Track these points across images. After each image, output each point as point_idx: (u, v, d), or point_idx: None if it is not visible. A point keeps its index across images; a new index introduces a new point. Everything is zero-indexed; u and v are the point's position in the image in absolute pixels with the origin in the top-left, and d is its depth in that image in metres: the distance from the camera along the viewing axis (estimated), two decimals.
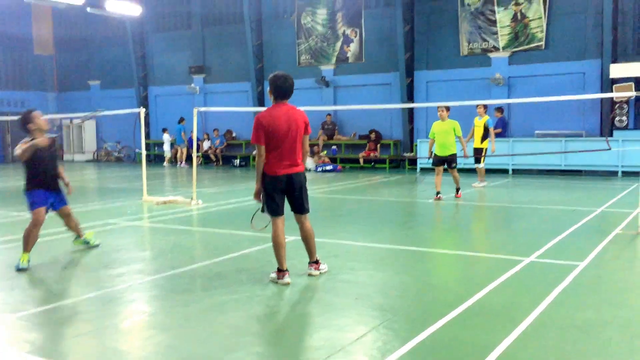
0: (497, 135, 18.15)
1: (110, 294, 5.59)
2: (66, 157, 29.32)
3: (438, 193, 12.06)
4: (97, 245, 7.75)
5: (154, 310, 5.21)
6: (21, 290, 5.76)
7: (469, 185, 14.47)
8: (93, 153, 29.00)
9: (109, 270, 6.53)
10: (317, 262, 6.16)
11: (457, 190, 12.41)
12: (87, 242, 7.70)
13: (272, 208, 5.84)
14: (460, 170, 13.94)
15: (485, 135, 14.17)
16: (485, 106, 14.35)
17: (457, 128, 12.07)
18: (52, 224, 9.52)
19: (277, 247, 5.84)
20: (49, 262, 6.96)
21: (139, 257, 7.38)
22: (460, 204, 11.77)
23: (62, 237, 8.49)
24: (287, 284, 5.76)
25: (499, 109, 18.42)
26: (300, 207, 5.95)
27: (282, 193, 5.85)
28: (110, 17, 25.92)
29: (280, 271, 5.83)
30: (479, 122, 14.25)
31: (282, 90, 5.81)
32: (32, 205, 6.91)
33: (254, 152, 23.35)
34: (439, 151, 12.19)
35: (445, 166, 12.32)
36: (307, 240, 6.08)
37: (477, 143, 14.29)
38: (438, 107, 12.35)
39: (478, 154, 14.25)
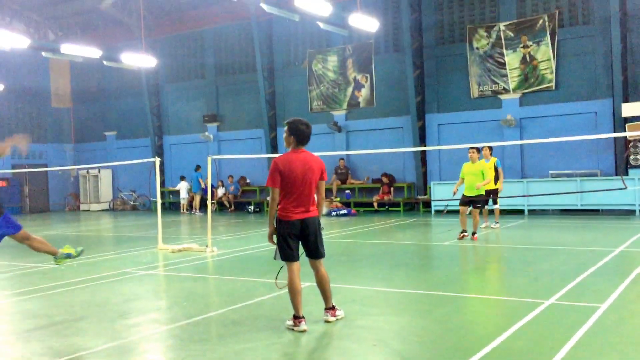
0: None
1: (126, 345, 5.56)
2: (82, 206, 29.60)
3: (464, 231, 12.27)
4: (81, 251, 7.30)
5: None
6: (38, 342, 5.75)
7: (485, 226, 14.36)
8: (109, 202, 29.26)
9: (125, 320, 6.51)
10: (333, 307, 6.10)
11: (473, 233, 12.34)
12: (69, 256, 7.15)
13: (287, 254, 5.82)
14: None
15: (496, 177, 14.18)
16: (490, 148, 14.48)
17: (486, 170, 12.36)
18: (71, 274, 9.56)
19: (293, 293, 5.79)
20: (66, 312, 6.96)
21: (154, 306, 7.35)
22: (477, 245, 11.66)
23: (77, 287, 8.51)
24: (304, 331, 5.69)
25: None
26: (315, 252, 5.94)
27: (297, 238, 5.85)
28: (126, 69, 26.56)
29: (297, 318, 5.77)
30: (488, 165, 14.24)
31: (304, 135, 5.89)
32: None
33: (268, 197, 23.46)
34: (467, 191, 12.38)
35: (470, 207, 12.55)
36: (323, 286, 6.03)
37: (490, 185, 14.24)
38: (469, 149, 12.54)
39: (493, 195, 14.18)
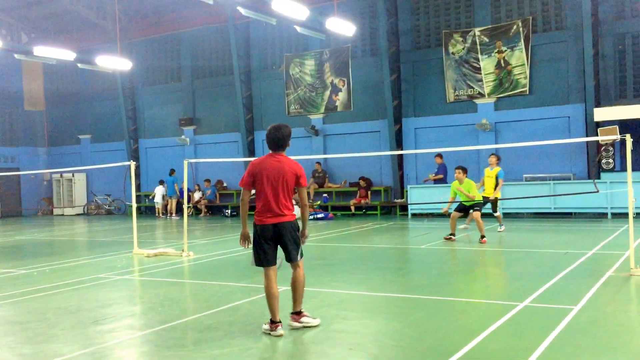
0: (439, 181, 19.22)
1: (100, 351, 5.48)
2: (56, 211, 29.16)
3: (452, 234, 12.67)
4: None
5: None
6: (9, 349, 5.63)
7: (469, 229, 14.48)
8: (83, 207, 28.88)
9: (99, 326, 6.42)
10: (299, 313, 5.98)
11: (482, 236, 12.43)
12: None
13: (260, 258, 5.79)
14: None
15: (495, 185, 14.35)
16: (498, 157, 14.63)
17: (473, 189, 12.74)
18: (44, 280, 9.40)
19: (270, 298, 5.76)
20: (38, 319, 6.84)
21: (129, 311, 7.26)
22: (453, 249, 11.75)
23: (50, 293, 8.38)
24: (280, 336, 5.67)
25: (439, 155, 19.20)
26: (289, 256, 5.90)
27: (272, 242, 5.81)
28: (101, 72, 26.27)
29: (274, 323, 5.74)
30: (491, 173, 14.44)
31: (269, 139, 5.93)
32: None
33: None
34: (463, 201, 12.84)
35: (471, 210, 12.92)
36: (293, 287, 5.96)
37: (488, 193, 14.39)
38: (455, 169, 12.96)
39: (492, 202, 14.45)
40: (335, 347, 5.35)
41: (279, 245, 5.88)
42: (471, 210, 12.87)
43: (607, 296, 7.06)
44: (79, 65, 24.61)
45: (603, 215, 17.26)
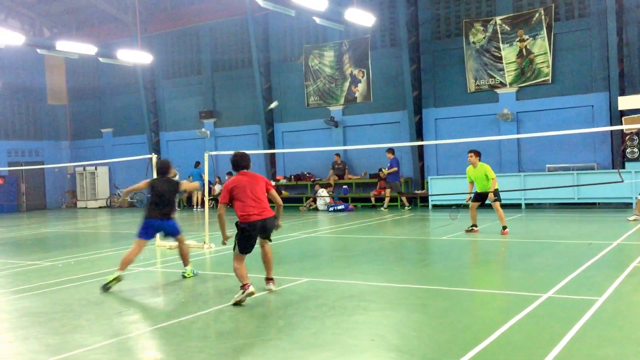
0: (392, 174, 19.50)
1: (124, 342, 5.55)
2: (79, 204, 29.55)
3: (474, 225, 12.52)
4: None
5: (167, 357, 5.16)
6: (35, 340, 5.74)
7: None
8: (106, 199, 29.22)
9: (123, 317, 6.50)
10: (272, 279, 7.49)
11: (504, 227, 12.18)
12: None
13: (245, 248, 7.12)
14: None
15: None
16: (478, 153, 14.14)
17: (489, 172, 12.26)
18: (69, 272, 9.54)
19: (239, 272, 6.97)
20: (63, 310, 6.95)
21: (152, 303, 7.35)
22: (475, 240, 11.67)
23: (75, 284, 8.50)
24: (252, 293, 6.76)
25: (390, 150, 19.65)
26: (268, 237, 7.45)
27: (257, 235, 7.17)
28: (122, 65, 26.48)
29: (244, 285, 6.79)
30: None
31: (233, 163, 7.47)
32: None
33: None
34: (478, 189, 12.46)
35: (488, 201, 12.58)
36: (266, 258, 7.50)
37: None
38: (468, 152, 12.53)
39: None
40: (356, 338, 5.36)
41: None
42: (491, 202, 12.52)
43: (632, 287, 6.96)
44: (100, 59, 24.84)
45: (628, 205, 16.98)
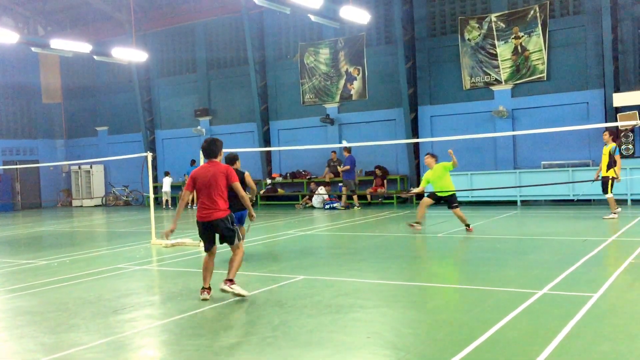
0: (346, 172, 20.02)
1: (119, 340, 5.55)
2: (75, 202, 29.48)
3: (417, 222, 12.62)
4: None
5: (163, 355, 5.15)
6: (31, 339, 5.72)
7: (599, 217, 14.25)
8: (101, 198, 29.16)
9: (119, 315, 6.49)
10: (231, 280, 6.97)
11: (467, 225, 12.29)
12: None
13: (205, 245, 7.17)
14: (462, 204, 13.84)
15: (610, 163, 13.50)
16: (611, 132, 13.69)
17: (447, 165, 12.30)
18: (64, 271, 9.52)
19: (204, 269, 7.07)
20: (58, 308, 6.94)
21: (148, 301, 7.34)
22: (470, 237, 11.69)
23: (70, 283, 8.48)
24: (206, 300, 6.86)
25: (347, 149, 20.05)
26: (226, 241, 7.14)
27: (208, 233, 7.05)
28: (117, 63, 26.40)
29: (203, 289, 6.96)
30: (605, 150, 13.66)
31: (202, 150, 7.18)
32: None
33: (262, 192, 23.45)
34: (436, 191, 12.49)
35: (448, 207, 12.57)
36: (230, 261, 7.17)
37: (603, 171, 13.66)
38: (425, 155, 12.77)
39: (604, 183, 13.66)
40: (352, 336, 5.36)
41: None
42: (450, 209, 12.43)
43: (627, 283, 6.99)
44: (95, 57, 24.75)
45: (623, 202, 17.05)
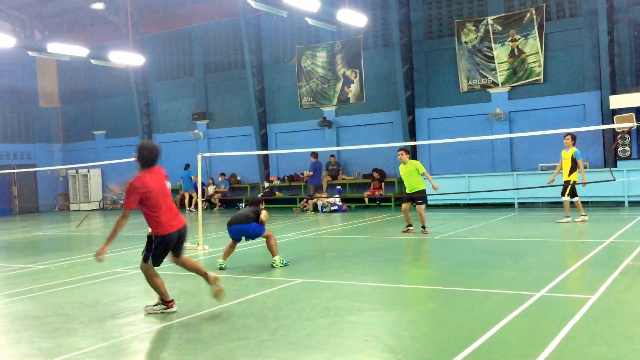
0: (311, 177, 20.53)
1: (117, 345, 5.54)
2: (72, 206, 29.43)
3: (409, 226, 12.93)
4: None
5: (161, 359, 5.14)
6: (28, 343, 5.71)
7: (553, 220, 14.39)
8: (99, 202, 29.11)
9: (116, 319, 6.48)
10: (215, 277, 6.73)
11: (423, 227, 12.76)
12: None
13: (159, 260, 6.61)
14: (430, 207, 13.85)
15: (573, 168, 13.62)
16: (573, 137, 13.78)
17: (420, 167, 12.76)
18: (62, 275, 9.50)
19: (157, 285, 6.60)
20: (56, 313, 6.92)
21: (146, 305, 7.32)
22: (466, 239, 11.70)
23: (68, 287, 8.47)
24: (175, 312, 6.54)
25: (314, 154, 20.37)
26: (180, 251, 6.80)
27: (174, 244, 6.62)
28: (114, 67, 26.40)
29: (169, 302, 6.62)
30: (567, 155, 13.71)
31: (150, 160, 6.63)
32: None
33: (259, 195, 23.45)
34: (407, 189, 12.95)
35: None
36: (195, 268, 6.89)
37: (565, 175, 13.73)
38: (398, 150, 13.03)
39: (565, 186, 13.67)
40: (351, 339, 5.36)
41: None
42: (415, 204, 12.87)
43: (624, 285, 7.00)
44: (92, 61, 24.76)
45: (620, 204, 17.08)
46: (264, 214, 9.47)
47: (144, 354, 5.35)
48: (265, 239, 9.43)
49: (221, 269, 9.25)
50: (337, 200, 20.62)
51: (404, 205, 13.12)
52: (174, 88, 27.16)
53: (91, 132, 30.10)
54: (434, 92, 21.14)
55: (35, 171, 28.36)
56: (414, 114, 21.38)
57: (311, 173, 20.55)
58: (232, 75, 25.39)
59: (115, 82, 28.73)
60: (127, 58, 23.17)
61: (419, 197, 12.83)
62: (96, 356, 5.22)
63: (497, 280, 7.91)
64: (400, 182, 21.37)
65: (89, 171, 29.02)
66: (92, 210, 28.52)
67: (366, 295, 7.15)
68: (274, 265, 9.24)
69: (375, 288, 7.58)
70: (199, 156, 12.63)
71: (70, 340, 5.78)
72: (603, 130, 18.05)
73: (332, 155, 22.56)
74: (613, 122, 17.28)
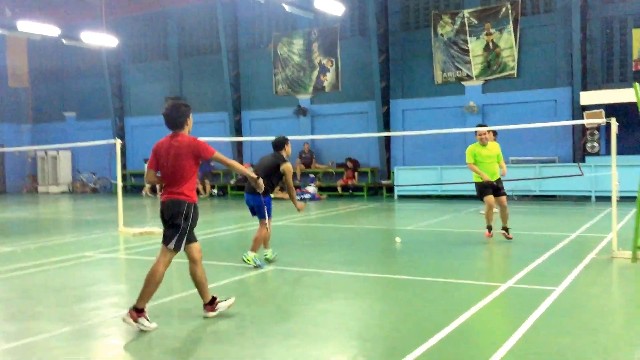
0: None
1: (84, 329, 5.48)
2: (40, 189, 28.90)
3: (490, 228, 10.48)
4: None
5: (128, 344, 5.11)
6: None
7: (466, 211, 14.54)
8: (68, 185, 28.64)
9: (83, 304, 6.40)
10: (141, 310, 5.37)
11: (506, 229, 10.19)
12: None
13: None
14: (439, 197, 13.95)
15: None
16: (495, 133, 13.40)
17: (500, 154, 10.56)
18: (28, 258, 9.34)
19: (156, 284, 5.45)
20: (21, 296, 6.81)
21: (114, 290, 7.26)
22: (436, 231, 11.82)
23: (35, 270, 8.34)
24: (155, 328, 5.32)
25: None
26: (164, 238, 5.58)
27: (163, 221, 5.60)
28: (86, 48, 25.88)
29: (142, 311, 5.32)
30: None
31: (164, 118, 5.91)
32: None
33: (232, 182, 23.33)
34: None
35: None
36: (193, 280, 5.74)
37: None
38: (478, 131, 10.39)
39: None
40: (320, 327, 5.39)
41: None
42: (498, 195, 10.17)
43: (589, 278, 7.15)
44: (63, 41, 24.21)
45: (587, 199, 17.42)
46: (286, 167, 8.22)
47: (111, 338, 5.30)
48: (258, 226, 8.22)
49: (267, 260, 8.35)
50: (311, 189, 20.61)
51: (490, 198, 10.03)
52: (148, 71, 26.77)
53: (61, 114, 29.52)
54: (409, 83, 21.22)
55: (2, 152, 27.76)
56: (389, 105, 21.44)
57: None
58: (208, 60, 25.12)
59: (88, 63, 28.19)
60: (100, 39, 22.74)
61: (500, 187, 10.17)
62: (62, 340, 5.16)
63: (466, 271, 8.02)
64: (373, 172, 21.61)
65: (58, 153, 28.49)
66: (62, 192, 28.06)
67: (338, 284, 7.18)
68: (244, 259, 8.01)
69: (347, 277, 7.62)
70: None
71: (36, 323, 5.70)
72: (573, 126, 18.35)
73: (306, 144, 22.52)
74: (583, 118, 17.56)
